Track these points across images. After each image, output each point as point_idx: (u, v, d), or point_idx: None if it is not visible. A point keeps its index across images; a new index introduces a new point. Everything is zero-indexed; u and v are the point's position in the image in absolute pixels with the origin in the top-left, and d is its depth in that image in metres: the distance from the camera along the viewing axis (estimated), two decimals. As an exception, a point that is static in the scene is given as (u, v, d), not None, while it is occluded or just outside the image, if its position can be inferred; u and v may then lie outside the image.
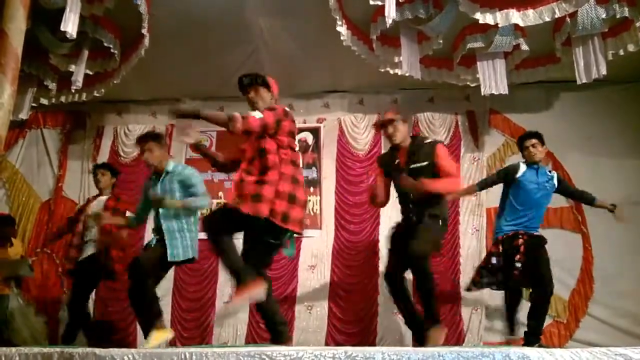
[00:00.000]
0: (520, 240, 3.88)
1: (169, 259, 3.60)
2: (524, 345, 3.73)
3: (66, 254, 4.66)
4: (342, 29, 4.34)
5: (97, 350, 1.88)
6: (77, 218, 4.61)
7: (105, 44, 4.49)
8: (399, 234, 3.60)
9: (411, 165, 3.49)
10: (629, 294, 4.97)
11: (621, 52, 4.49)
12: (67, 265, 4.62)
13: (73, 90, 4.93)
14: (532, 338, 3.75)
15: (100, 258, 4.35)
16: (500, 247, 3.97)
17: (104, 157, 5.98)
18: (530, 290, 4.00)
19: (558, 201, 5.30)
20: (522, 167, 4.06)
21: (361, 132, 5.81)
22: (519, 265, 3.80)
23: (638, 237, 5.12)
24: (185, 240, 3.69)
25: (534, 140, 4.08)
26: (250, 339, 5.08)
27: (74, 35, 3.80)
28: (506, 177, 4.11)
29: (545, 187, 4.03)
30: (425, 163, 3.46)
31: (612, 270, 5.06)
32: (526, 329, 3.82)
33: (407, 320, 3.66)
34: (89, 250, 4.42)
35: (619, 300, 5.00)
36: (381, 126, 3.73)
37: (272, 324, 3.07)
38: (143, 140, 3.88)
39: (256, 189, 2.80)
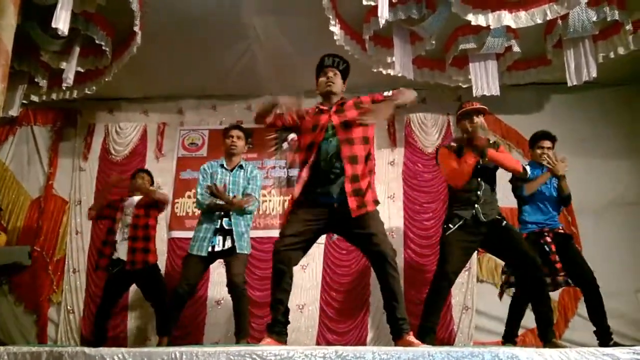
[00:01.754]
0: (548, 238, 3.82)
1: (238, 250, 3.82)
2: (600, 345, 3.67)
3: (102, 251, 4.62)
4: (335, 28, 4.34)
5: (87, 349, 1.87)
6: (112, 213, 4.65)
7: (97, 41, 4.46)
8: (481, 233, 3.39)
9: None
10: (619, 295, 4.99)
11: (611, 55, 4.54)
12: (101, 262, 4.56)
13: (64, 88, 4.90)
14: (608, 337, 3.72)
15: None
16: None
17: (94, 155, 5.95)
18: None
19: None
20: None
21: (353, 132, 5.81)
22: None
23: (628, 237, 5.17)
24: (248, 234, 3.99)
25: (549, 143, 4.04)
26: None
27: (66, 32, 3.76)
28: None
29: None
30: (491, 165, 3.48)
31: (601, 270, 5.05)
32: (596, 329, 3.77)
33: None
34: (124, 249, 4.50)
35: (609, 301, 4.97)
36: (466, 115, 3.63)
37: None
38: (233, 128, 4.14)
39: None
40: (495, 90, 4.67)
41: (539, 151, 4.03)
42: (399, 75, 4.61)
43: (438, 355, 1.73)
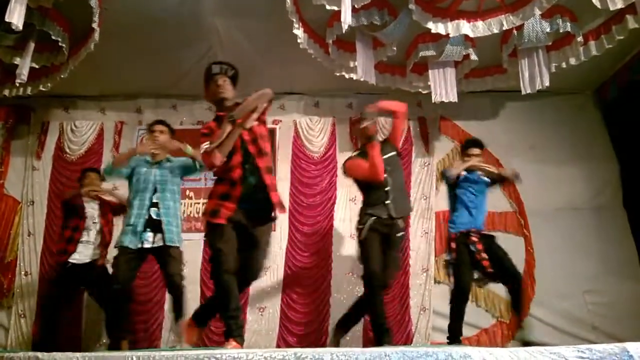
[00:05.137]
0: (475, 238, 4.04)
1: (167, 242, 3.78)
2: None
3: (60, 247, 4.50)
4: (298, 31, 4.36)
5: (40, 354, 1.82)
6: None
7: (53, 37, 4.32)
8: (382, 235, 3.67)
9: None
10: (568, 296, 5.21)
11: (563, 65, 4.73)
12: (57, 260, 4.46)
13: (17, 84, 4.70)
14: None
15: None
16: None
17: (48, 154, 5.76)
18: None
19: (502, 205, 5.53)
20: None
21: (316, 135, 5.85)
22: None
23: (576, 241, 5.38)
24: (179, 225, 3.98)
25: (477, 150, 4.30)
26: (201, 342, 5.01)
27: (20, 26, 3.64)
28: None
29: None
30: (393, 152, 3.81)
31: (552, 272, 5.29)
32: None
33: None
34: (86, 253, 4.43)
35: (559, 302, 5.23)
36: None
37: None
38: (156, 123, 4.16)
39: None
40: (453, 97, 4.79)
41: (467, 159, 4.30)
42: (362, 79, 4.67)
43: (394, 356, 1.77)
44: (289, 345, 5.03)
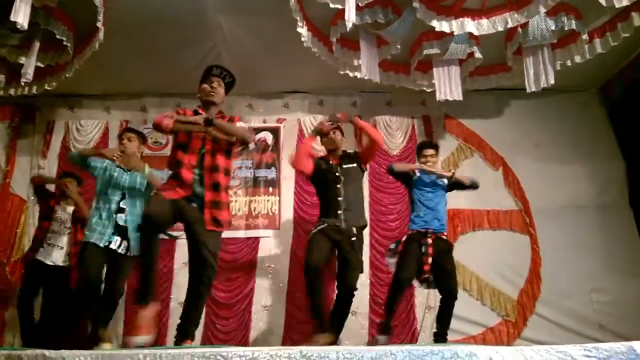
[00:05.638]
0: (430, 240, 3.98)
1: (133, 252, 3.85)
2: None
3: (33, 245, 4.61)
4: (302, 30, 4.36)
5: (47, 352, 1.83)
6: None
7: (58, 36, 4.34)
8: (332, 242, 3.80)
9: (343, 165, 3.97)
10: (574, 294, 5.19)
11: (568, 63, 4.72)
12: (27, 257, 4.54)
13: (23, 83, 4.74)
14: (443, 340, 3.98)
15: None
16: None
17: (54, 152, 5.78)
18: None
19: (507, 204, 5.52)
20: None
21: (320, 133, 5.85)
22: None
23: (582, 239, 5.36)
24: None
25: (431, 151, 4.28)
26: (206, 340, 5.03)
27: (25, 26, 3.65)
28: None
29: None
30: (354, 164, 3.98)
31: (558, 271, 5.27)
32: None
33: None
34: (56, 256, 4.47)
35: (565, 300, 5.21)
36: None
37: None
38: (125, 131, 4.27)
39: None
40: (457, 95, 4.77)
41: (422, 160, 4.27)
42: (366, 78, 4.66)
43: (400, 354, 1.77)
44: (295, 343, 5.03)
